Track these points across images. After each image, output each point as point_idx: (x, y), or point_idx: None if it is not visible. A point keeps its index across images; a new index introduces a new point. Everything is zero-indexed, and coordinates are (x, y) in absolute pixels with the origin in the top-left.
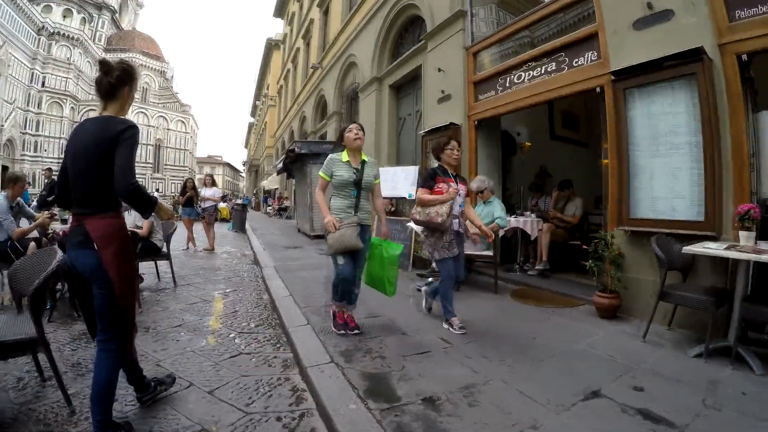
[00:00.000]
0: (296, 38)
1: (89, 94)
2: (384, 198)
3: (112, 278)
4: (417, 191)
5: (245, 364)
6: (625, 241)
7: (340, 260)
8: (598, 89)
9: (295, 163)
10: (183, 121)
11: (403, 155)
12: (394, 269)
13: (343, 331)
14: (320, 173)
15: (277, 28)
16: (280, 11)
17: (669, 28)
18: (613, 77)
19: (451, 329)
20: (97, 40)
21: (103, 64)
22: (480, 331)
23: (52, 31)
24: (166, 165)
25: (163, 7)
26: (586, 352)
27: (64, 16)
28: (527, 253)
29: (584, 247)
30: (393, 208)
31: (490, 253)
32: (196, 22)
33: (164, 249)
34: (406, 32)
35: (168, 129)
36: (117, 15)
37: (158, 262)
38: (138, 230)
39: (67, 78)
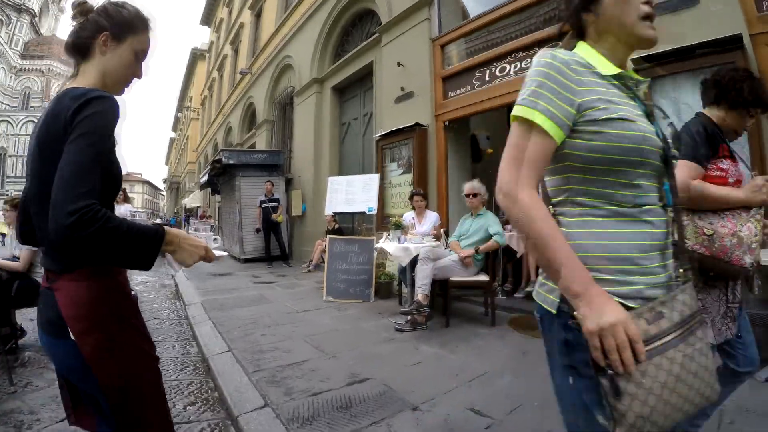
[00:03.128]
0: (224, 45)
1: (2, 104)
2: (328, 215)
3: (105, 385)
4: (680, 169)
5: None
6: None
7: None
8: None
9: (222, 176)
10: None
11: (346, 164)
12: None
13: None
14: (532, 113)
15: (203, 38)
16: (207, 19)
17: (696, 15)
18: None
19: None
20: (13, 45)
21: None
22: (515, 389)
23: None
24: None
25: None
26: None
27: None
28: (506, 273)
29: None
30: (337, 226)
31: (484, 278)
32: None
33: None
34: (353, 28)
35: None
36: (36, 19)
37: None
38: (17, 264)
39: None
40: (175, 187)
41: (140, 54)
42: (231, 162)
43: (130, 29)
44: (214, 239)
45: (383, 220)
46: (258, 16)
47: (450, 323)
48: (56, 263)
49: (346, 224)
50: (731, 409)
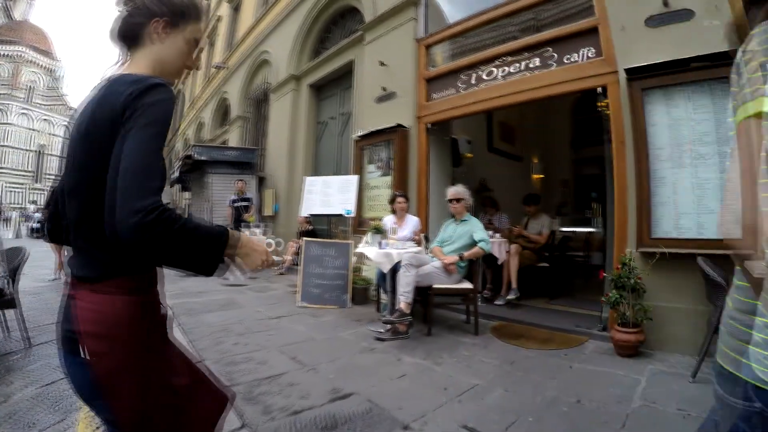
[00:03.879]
0: None
1: None
2: (302, 216)
3: (117, 416)
4: None
5: None
6: (641, 265)
7: None
8: (599, 89)
9: (192, 173)
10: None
11: (322, 164)
12: None
13: None
14: None
15: None
16: None
17: (689, 28)
18: (627, 76)
19: None
20: None
21: None
22: (507, 403)
23: None
24: (48, 175)
25: (61, 1)
26: (652, 412)
27: None
28: (485, 279)
29: (603, 275)
30: (311, 227)
31: (468, 285)
32: (94, 21)
33: (8, 290)
34: (334, 25)
35: (53, 134)
36: (10, 3)
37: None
38: None
39: None
40: None
41: (193, 43)
42: (202, 158)
43: (185, 16)
44: (268, 243)
45: (360, 224)
46: (236, 9)
47: (431, 332)
48: (87, 269)
49: (321, 226)
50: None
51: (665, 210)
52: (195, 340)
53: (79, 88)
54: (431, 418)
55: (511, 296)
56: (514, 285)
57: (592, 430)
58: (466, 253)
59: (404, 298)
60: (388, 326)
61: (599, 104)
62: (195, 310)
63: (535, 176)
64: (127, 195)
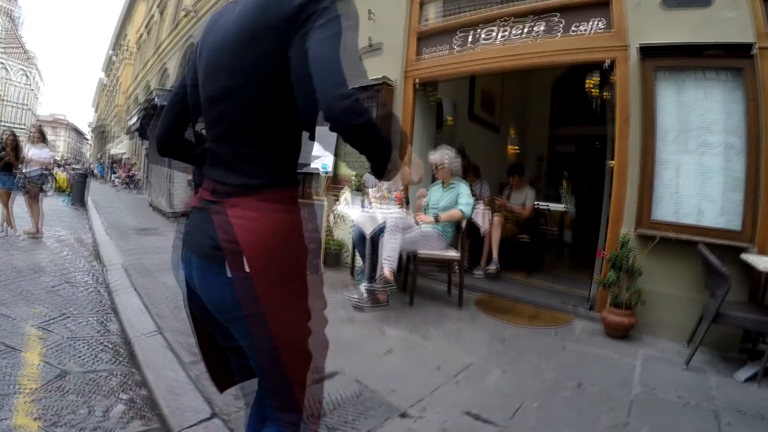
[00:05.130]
0: None
1: None
2: None
3: (273, 331)
4: None
5: None
6: (638, 247)
7: None
8: (607, 63)
9: (153, 120)
10: (26, 73)
11: None
12: None
13: None
14: None
15: None
16: None
17: (706, 15)
18: (640, 54)
19: None
20: None
21: None
22: (507, 386)
23: None
24: (2, 123)
25: None
26: (654, 399)
27: None
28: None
29: (602, 253)
30: None
31: (454, 254)
32: None
33: None
34: None
35: (8, 80)
36: None
37: None
38: None
39: None
40: (101, 132)
41: None
42: (164, 103)
43: None
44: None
45: (334, 182)
46: None
47: (413, 303)
48: (246, 177)
49: None
50: (727, 411)
51: (666, 193)
52: (152, 305)
53: (37, 32)
54: (429, 403)
55: (491, 268)
56: (495, 257)
57: (599, 417)
58: (442, 215)
59: (388, 264)
60: (366, 294)
61: (588, 82)
62: (152, 269)
63: (511, 149)
64: (332, 82)
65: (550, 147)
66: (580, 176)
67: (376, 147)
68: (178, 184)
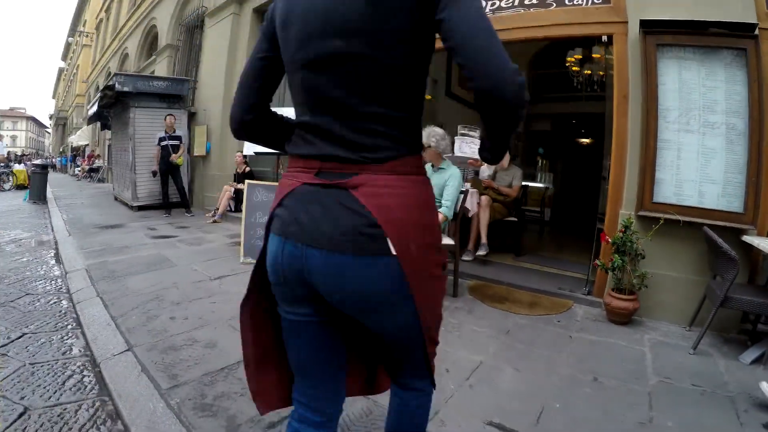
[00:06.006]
0: None
1: None
2: (238, 155)
3: (419, 309)
4: None
5: None
6: (640, 230)
7: None
8: (604, 38)
9: (114, 107)
10: None
11: None
12: None
13: None
14: None
15: None
16: None
17: None
18: (643, 29)
19: None
20: None
21: None
22: (523, 387)
23: None
24: None
25: None
26: (671, 389)
27: None
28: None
29: (606, 239)
30: (247, 169)
31: (449, 241)
32: None
33: None
34: None
35: None
36: None
37: None
38: None
39: None
40: (62, 123)
41: None
42: (126, 89)
43: None
44: None
45: None
46: None
47: None
48: (356, 147)
49: (262, 167)
50: (741, 397)
51: (667, 174)
52: (121, 316)
53: None
54: (447, 414)
55: (481, 252)
56: (483, 240)
57: (624, 414)
58: None
59: None
60: None
61: (569, 60)
62: (119, 271)
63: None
64: (504, 56)
65: (525, 125)
66: (555, 154)
67: (514, 129)
68: (142, 175)
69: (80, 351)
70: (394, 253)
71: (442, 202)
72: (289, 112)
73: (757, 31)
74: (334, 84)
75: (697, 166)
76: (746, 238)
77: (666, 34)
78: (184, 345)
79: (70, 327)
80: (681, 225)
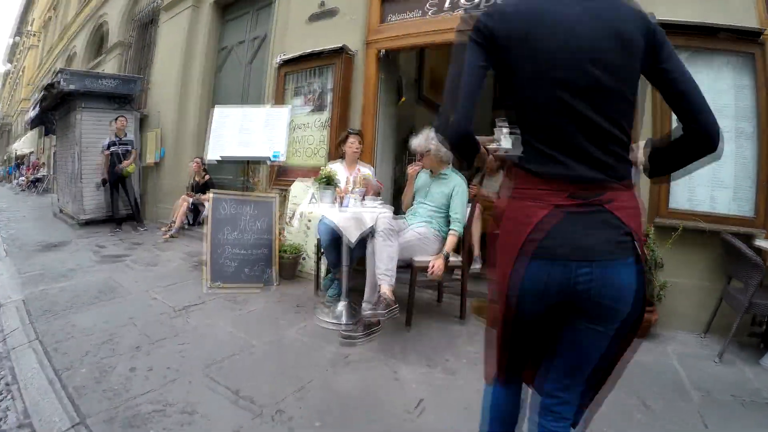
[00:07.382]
0: None
1: None
2: (196, 161)
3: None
4: None
5: None
6: (657, 238)
7: None
8: None
9: (58, 109)
10: None
11: (222, 98)
12: None
13: None
14: None
15: None
16: None
17: None
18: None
19: None
20: None
21: None
22: None
23: None
24: None
25: None
26: (715, 403)
27: None
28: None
29: None
30: (207, 177)
31: (456, 259)
32: None
33: None
34: None
35: None
36: None
37: None
38: None
39: None
40: (6, 129)
41: None
42: (71, 88)
43: None
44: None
45: (281, 173)
46: None
47: (411, 324)
48: (620, 171)
49: (224, 176)
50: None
51: (681, 180)
52: (65, 370)
53: None
54: None
55: (475, 267)
56: (476, 253)
57: None
58: (447, 248)
59: (388, 280)
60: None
61: None
62: (61, 303)
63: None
64: (707, 103)
65: (491, 131)
66: None
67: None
68: (88, 185)
69: (18, 420)
70: (639, 254)
71: (452, 216)
72: (279, 111)
73: (761, 38)
74: (592, 109)
75: (709, 170)
76: (759, 243)
77: (677, 36)
78: (154, 412)
79: (4, 383)
80: (690, 230)
